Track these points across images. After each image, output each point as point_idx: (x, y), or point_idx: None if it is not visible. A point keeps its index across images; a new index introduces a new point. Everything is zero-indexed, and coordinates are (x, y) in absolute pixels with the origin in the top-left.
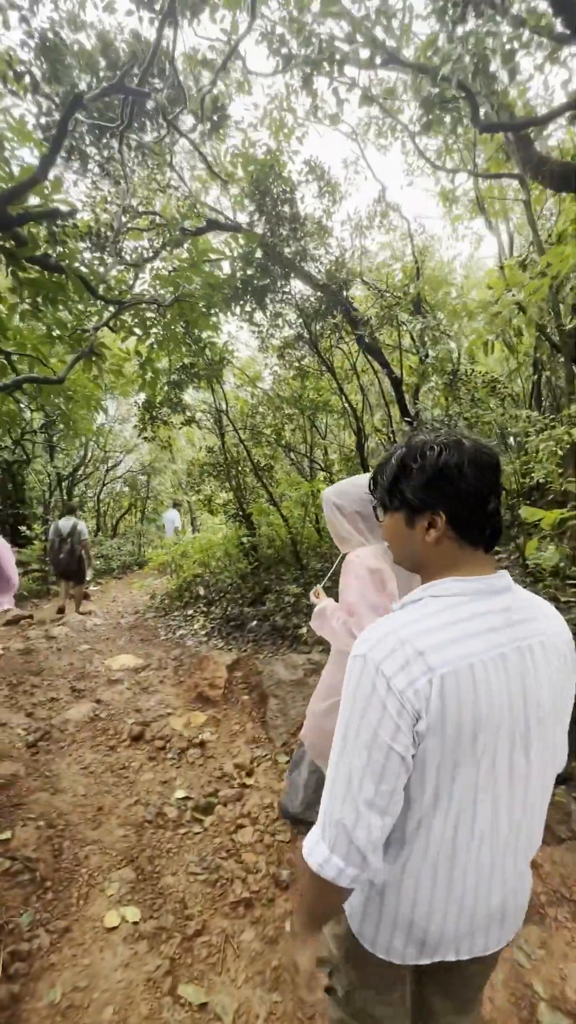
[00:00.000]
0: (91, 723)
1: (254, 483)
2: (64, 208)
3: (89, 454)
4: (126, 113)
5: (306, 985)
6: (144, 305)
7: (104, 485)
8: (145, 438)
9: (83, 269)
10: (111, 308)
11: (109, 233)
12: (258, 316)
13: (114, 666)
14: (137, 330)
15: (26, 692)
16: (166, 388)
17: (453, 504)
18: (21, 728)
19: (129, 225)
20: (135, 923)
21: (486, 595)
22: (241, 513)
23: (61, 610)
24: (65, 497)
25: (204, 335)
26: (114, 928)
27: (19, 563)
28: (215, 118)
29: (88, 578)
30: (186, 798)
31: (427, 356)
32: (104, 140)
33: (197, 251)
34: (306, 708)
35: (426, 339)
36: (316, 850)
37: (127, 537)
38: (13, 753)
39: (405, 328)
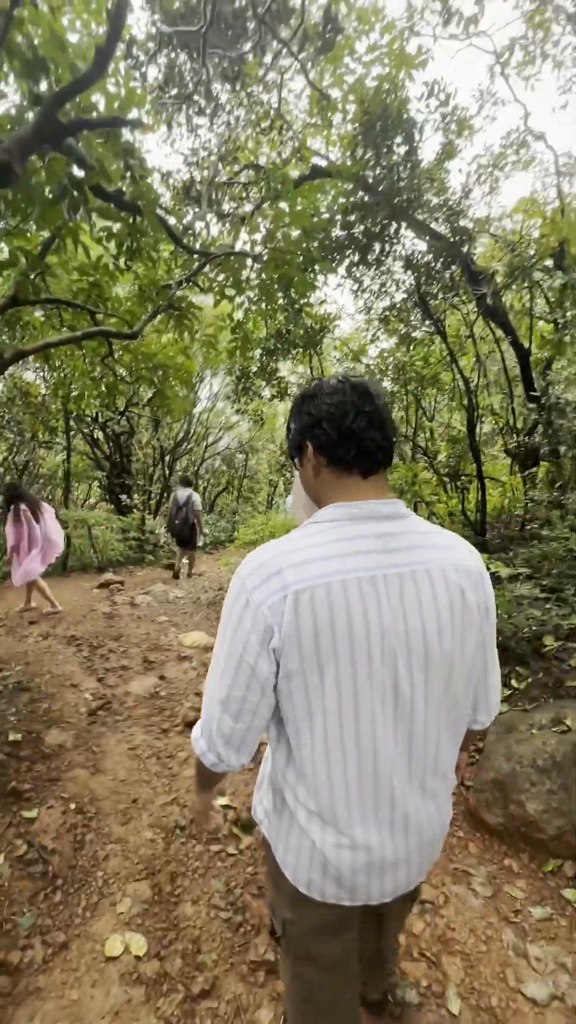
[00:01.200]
0: (151, 699)
1: None
2: (131, 119)
3: (192, 429)
4: (207, 11)
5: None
6: (237, 264)
7: (204, 461)
8: (238, 410)
9: (168, 217)
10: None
11: (199, 184)
12: (360, 272)
13: (186, 642)
14: (230, 291)
15: (103, 656)
16: (261, 357)
17: (315, 431)
18: (89, 693)
19: (224, 175)
20: (138, 957)
21: (362, 520)
22: None
23: (176, 574)
24: (166, 471)
25: (301, 301)
26: (114, 958)
27: (120, 530)
28: (327, 33)
29: (199, 544)
30: (228, 807)
31: (566, 323)
32: (187, 55)
33: (302, 200)
34: None
35: (566, 301)
36: (195, 732)
37: (223, 514)
38: (72, 719)
39: (539, 288)
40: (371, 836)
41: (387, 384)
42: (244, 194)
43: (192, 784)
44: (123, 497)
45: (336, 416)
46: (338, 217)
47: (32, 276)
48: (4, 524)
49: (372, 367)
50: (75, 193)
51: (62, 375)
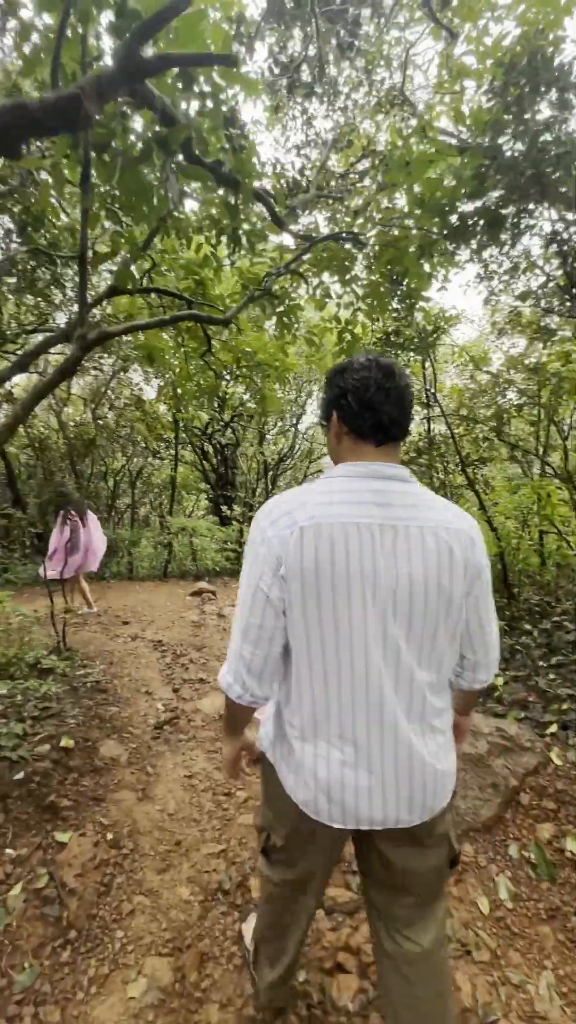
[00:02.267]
0: (219, 721)
1: (460, 482)
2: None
3: (296, 445)
4: None
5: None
6: (346, 260)
7: (306, 477)
8: None
9: (264, 191)
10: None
11: (308, 171)
12: (490, 254)
13: None
14: (335, 288)
15: (183, 666)
16: None
17: (340, 403)
18: (161, 703)
19: (337, 165)
20: None
21: (367, 477)
22: None
23: None
24: (269, 486)
25: (416, 296)
26: None
27: (220, 541)
28: None
29: None
30: None
31: None
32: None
33: (422, 184)
34: (486, 805)
35: None
36: (222, 670)
37: None
38: (136, 730)
39: None
40: (360, 753)
41: (511, 395)
42: (358, 183)
43: (245, 825)
44: (224, 508)
45: (359, 390)
46: (465, 191)
47: (142, 274)
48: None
49: (496, 374)
50: (160, 152)
51: (166, 377)
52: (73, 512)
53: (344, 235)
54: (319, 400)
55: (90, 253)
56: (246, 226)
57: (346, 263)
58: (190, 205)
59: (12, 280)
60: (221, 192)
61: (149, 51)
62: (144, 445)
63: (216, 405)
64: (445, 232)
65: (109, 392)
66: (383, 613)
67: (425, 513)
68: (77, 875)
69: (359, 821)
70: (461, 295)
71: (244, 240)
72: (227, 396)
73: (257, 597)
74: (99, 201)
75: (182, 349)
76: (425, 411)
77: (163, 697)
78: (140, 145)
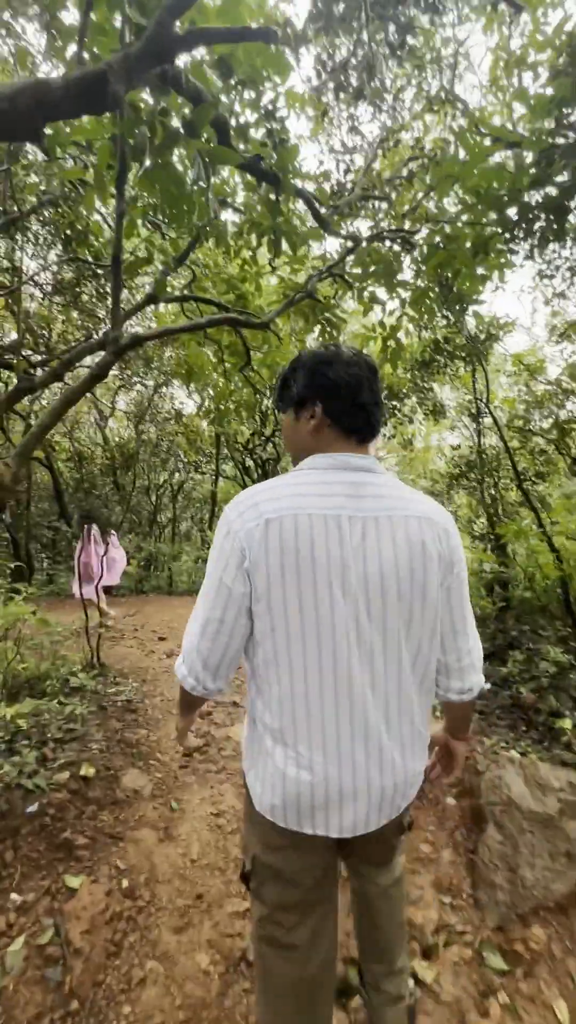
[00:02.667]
0: None
1: (516, 498)
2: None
3: None
4: None
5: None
6: (395, 264)
7: None
8: (384, 436)
9: (306, 189)
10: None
11: (352, 175)
12: (552, 251)
13: None
14: (381, 292)
15: None
16: (412, 371)
17: (327, 395)
18: (192, 727)
19: (383, 168)
20: None
21: (339, 469)
22: (491, 534)
23: None
24: None
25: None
26: None
27: None
28: None
29: None
30: None
31: None
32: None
33: (480, 174)
34: (559, 878)
35: None
36: (177, 660)
37: None
38: (163, 756)
39: None
40: (329, 753)
41: (571, 406)
42: (405, 184)
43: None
44: None
45: (353, 388)
46: (526, 179)
47: (183, 285)
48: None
49: (556, 382)
50: (188, 136)
51: (206, 391)
52: (96, 529)
53: (393, 231)
54: (281, 384)
55: (128, 256)
56: (288, 227)
57: (393, 266)
58: (229, 216)
59: (59, 299)
60: (262, 190)
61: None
62: (185, 459)
63: (258, 420)
64: (503, 228)
65: (151, 408)
66: (354, 606)
67: (395, 503)
68: (85, 931)
69: (328, 828)
70: (514, 301)
71: (286, 243)
72: (268, 412)
73: (220, 591)
74: (139, 212)
75: (223, 366)
76: (475, 424)
77: (195, 720)
78: (166, 128)
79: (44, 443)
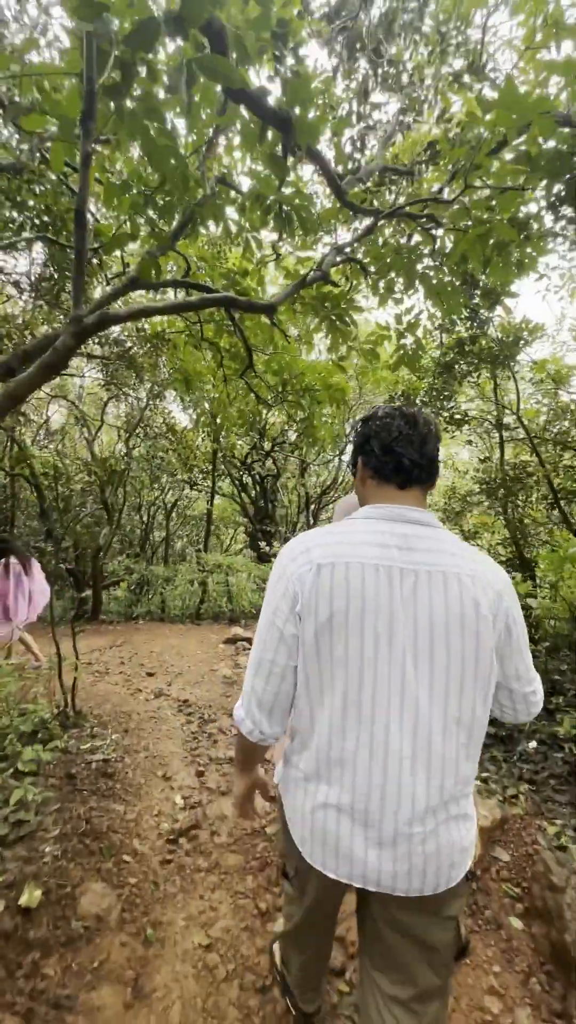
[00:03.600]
0: (252, 838)
1: (546, 518)
2: None
3: (340, 477)
4: None
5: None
6: (404, 241)
7: None
8: None
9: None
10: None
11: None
12: None
13: None
14: (399, 281)
15: (211, 737)
16: (432, 376)
17: (365, 450)
18: (180, 795)
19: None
20: None
21: (390, 520)
22: (518, 559)
23: None
24: (310, 520)
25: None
26: None
27: (258, 580)
28: None
29: None
30: None
31: None
32: None
33: (538, 124)
34: None
35: None
36: (236, 705)
37: None
38: (139, 848)
39: None
40: (357, 806)
41: None
42: (431, 160)
43: None
44: (262, 544)
45: (382, 434)
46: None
47: (178, 274)
48: None
49: None
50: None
51: (202, 401)
52: (15, 561)
53: (421, 200)
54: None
55: (104, 223)
56: (300, 201)
57: (412, 257)
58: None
59: (42, 302)
60: (267, 140)
61: None
62: (178, 475)
63: (256, 434)
64: (551, 203)
65: (143, 422)
66: (401, 657)
67: (449, 560)
68: None
69: (352, 877)
70: (538, 302)
71: (294, 219)
72: (268, 426)
73: (272, 632)
74: (126, 204)
75: (221, 371)
76: (497, 436)
77: (183, 784)
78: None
79: (27, 457)
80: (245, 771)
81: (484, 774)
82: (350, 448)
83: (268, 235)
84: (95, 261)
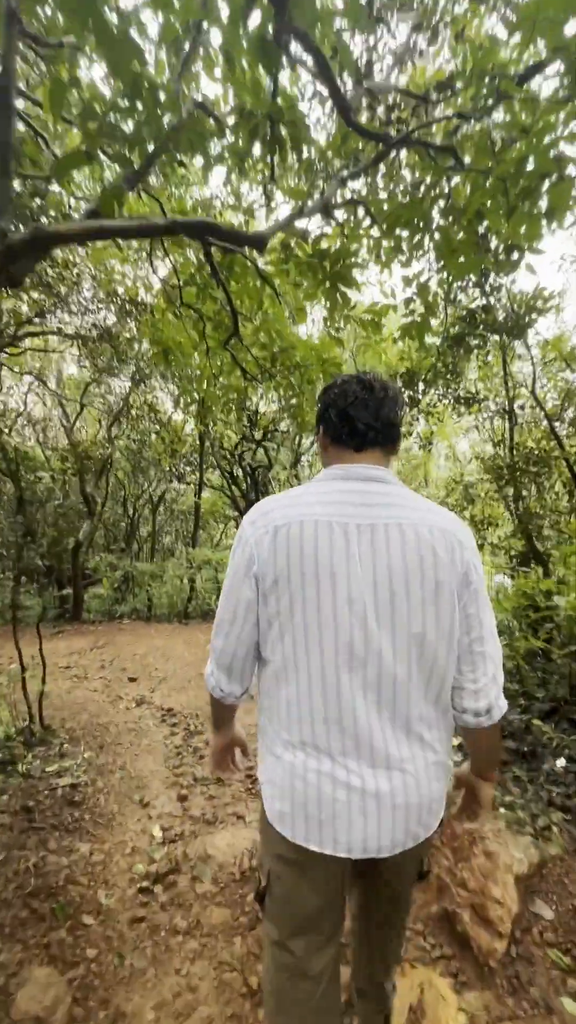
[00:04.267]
0: (240, 884)
1: (565, 506)
2: None
3: None
4: None
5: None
6: (415, 200)
7: None
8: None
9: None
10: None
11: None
12: None
13: None
14: (405, 239)
15: (197, 752)
16: (439, 349)
17: (324, 418)
18: (159, 826)
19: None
20: None
21: (346, 479)
22: (531, 555)
23: None
24: None
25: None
26: None
27: None
28: None
29: None
30: None
31: None
32: None
33: None
34: None
35: None
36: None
37: None
38: (105, 901)
39: None
40: (336, 764)
41: None
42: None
43: None
44: None
45: (337, 401)
46: None
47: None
48: None
49: None
50: None
51: (187, 380)
52: None
53: (442, 120)
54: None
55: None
56: (288, 112)
57: (426, 203)
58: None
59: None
60: (251, 21)
61: None
62: (162, 463)
63: (247, 422)
64: None
65: (127, 407)
66: (362, 612)
67: (406, 512)
68: None
69: (336, 845)
70: (552, 272)
71: (286, 141)
72: (259, 416)
73: (231, 594)
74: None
75: (205, 343)
76: (508, 419)
77: (163, 812)
78: None
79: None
80: (220, 729)
81: (507, 797)
82: None
83: (252, 194)
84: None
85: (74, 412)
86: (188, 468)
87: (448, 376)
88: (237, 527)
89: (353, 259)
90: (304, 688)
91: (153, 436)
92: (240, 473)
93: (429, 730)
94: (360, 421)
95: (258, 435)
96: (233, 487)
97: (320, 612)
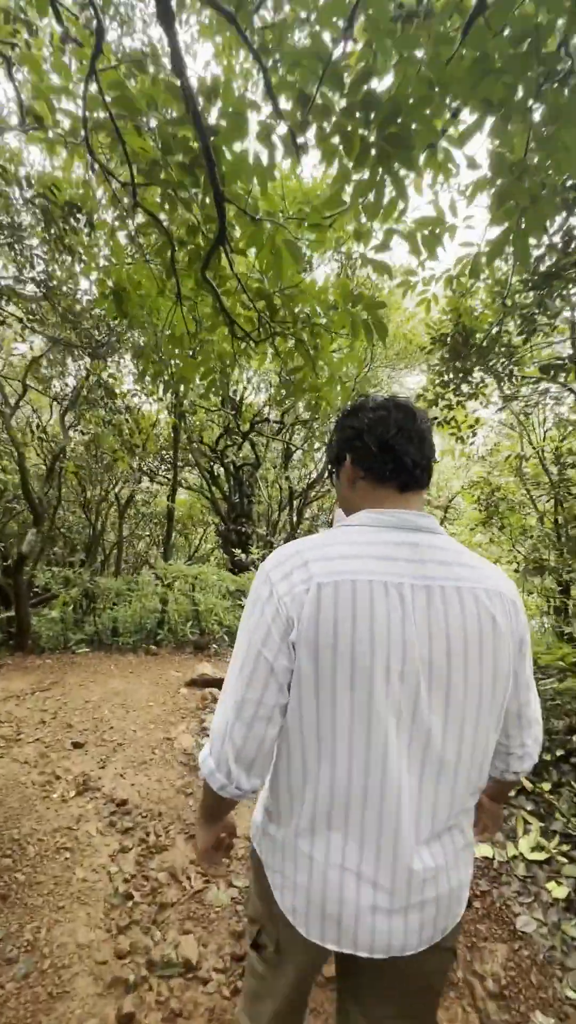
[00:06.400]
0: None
1: None
2: None
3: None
4: None
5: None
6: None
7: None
8: (435, 422)
9: None
10: None
11: None
12: None
13: None
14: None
15: (157, 885)
16: (501, 308)
17: (354, 446)
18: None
19: None
20: None
21: (394, 528)
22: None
23: None
24: (294, 518)
25: None
26: None
27: (232, 593)
28: None
29: None
30: None
31: None
32: None
33: None
34: None
35: None
36: (203, 751)
37: None
38: None
39: None
40: (367, 861)
41: None
42: None
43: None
44: (236, 551)
45: (377, 429)
46: None
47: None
48: None
49: None
50: None
51: (149, 336)
52: None
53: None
54: (327, 446)
55: None
56: None
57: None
58: None
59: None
60: None
61: None
62: (119, 464)
63: (230, 410)
64: None
65: (88, 392)
66: (414, 692)
67: (461, 572)
68: None
69: (357, 945)
70: None
71: None
72: (245, 405)
73: (259, 666)
74: None
75: (173, 279)
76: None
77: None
78: None
79: None
80: (211, 823)
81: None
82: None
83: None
84: None
85: (15, 395)
86: (160, 466)
87: (530, 321)
88: (218, 534)
89: (421, 110)
90: (343, 771)
91: (104, 428)
92: (222, 472)
93: (468, 817)
94: (408, 456)
95: (244, 427)
96: (213, 488)
97: (373, 690)
